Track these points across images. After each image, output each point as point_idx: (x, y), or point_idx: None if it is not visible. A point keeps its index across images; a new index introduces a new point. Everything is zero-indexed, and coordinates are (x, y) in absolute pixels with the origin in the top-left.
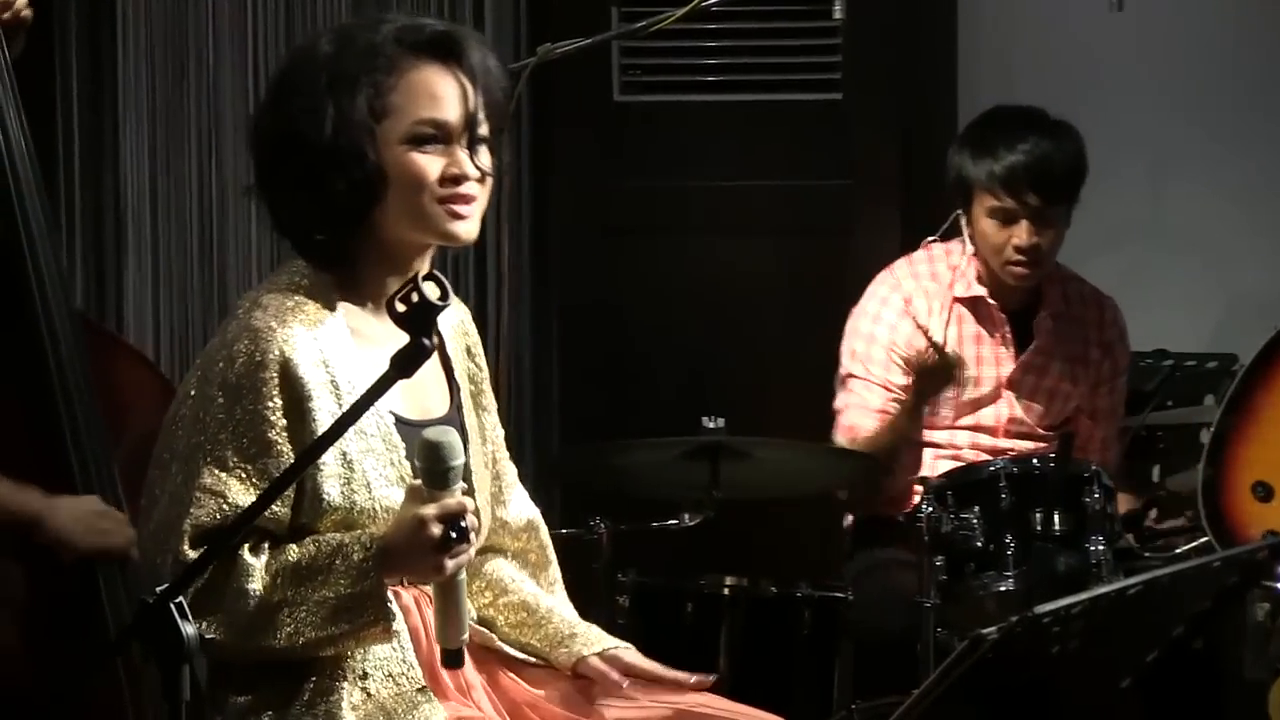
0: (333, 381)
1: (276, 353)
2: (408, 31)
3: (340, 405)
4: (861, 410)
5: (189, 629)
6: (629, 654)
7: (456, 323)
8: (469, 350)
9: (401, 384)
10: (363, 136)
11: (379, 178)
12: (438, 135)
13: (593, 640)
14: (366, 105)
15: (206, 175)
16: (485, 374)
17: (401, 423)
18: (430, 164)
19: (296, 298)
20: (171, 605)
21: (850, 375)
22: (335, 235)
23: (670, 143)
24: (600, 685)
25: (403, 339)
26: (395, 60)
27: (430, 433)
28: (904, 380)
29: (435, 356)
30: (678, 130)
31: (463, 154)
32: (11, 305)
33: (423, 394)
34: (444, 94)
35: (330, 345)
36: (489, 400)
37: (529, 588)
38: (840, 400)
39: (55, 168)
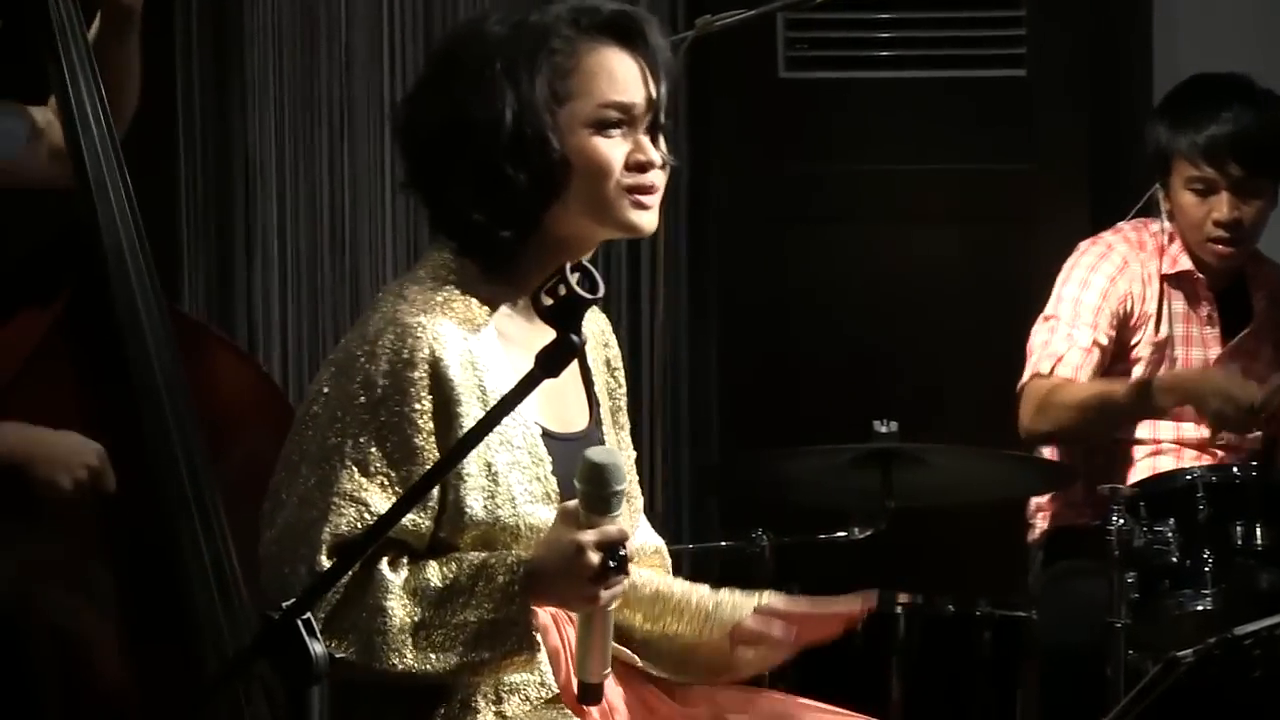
0: (480, 385)
1: (426, 351)
2: (583, 12)
3: (486, 408)
4: (1067, 344)
5: (317, 647)
6: (779, 601)
7: (597, 332)
8: (608, 363)
9: (543, 394)
10: (545, 122)
11: (563, 166)
12: (622, 119)
13: (739, 603)
14: (547, 89)
15: (338, 168)
16: (623, 390)
17: (547, 435)
18: (615, 150)
19: (444, 291)
20: (299, 621)
21: (1054, 317)
22: (514, 229)
23: (839, 123)
24: (768, 644)
25: (533, 335)
26: (573, 41)
27: (595, 454)
28: (1111, 334)
29: (575, 367)
30: (847, 110)
31: (646, 140)
32: (91, 293)
33: (563, 405)
34: (626, 76)
35: (479, 345)
36: (625, 419)
37: (657, 579)
38: (1039, 337)
39: (175, 159)
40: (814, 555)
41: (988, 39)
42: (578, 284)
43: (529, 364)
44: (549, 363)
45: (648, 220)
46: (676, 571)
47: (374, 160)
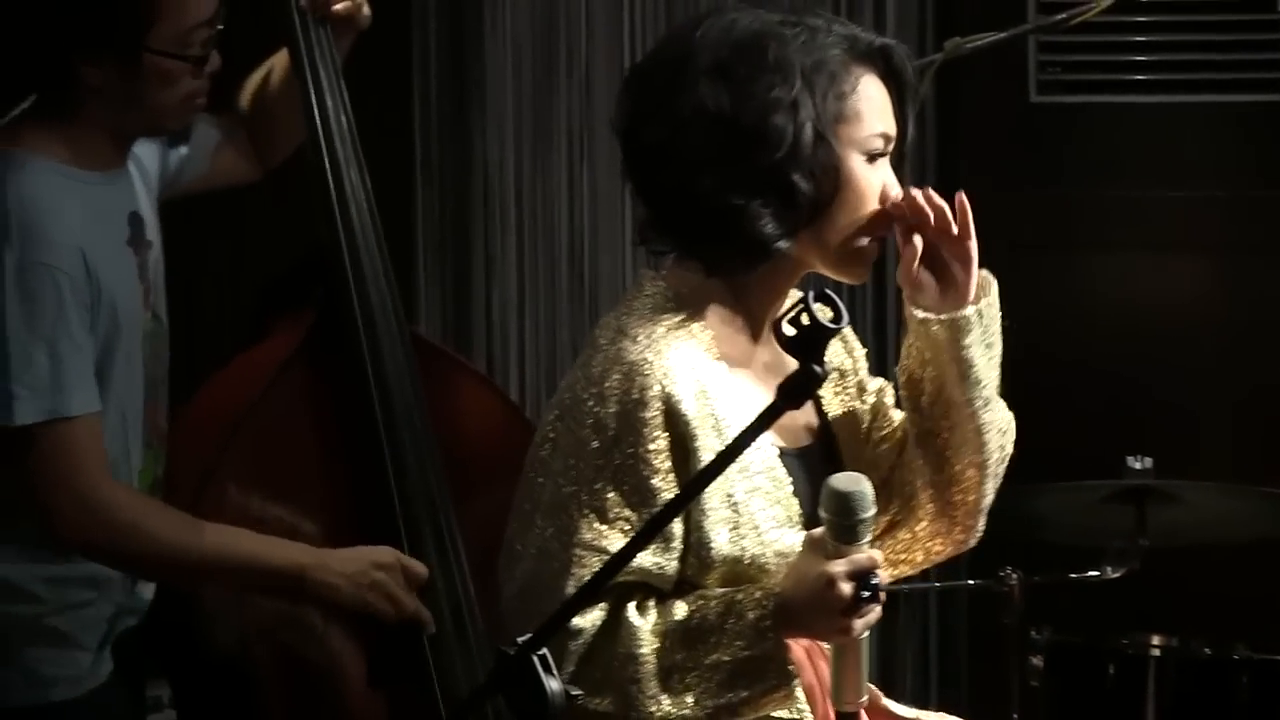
0: (713, 415)
1: (657, 389)
2: (852, 38)
3: (722, 441)
4: None
5: (553, 684)
6: None
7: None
8: (843, 340)
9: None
10: (834, 137)
11: (840, 186)
12: (883, 151)
13: None
14: (835, 106)
15: (577, 190)
16: (859, 355)
17: (782, 454)
18: (875, 179)
19: (665, 321)
20: (535, 657)
21: None
22: (788, 240)
23: (1092, 148)
24: None
25: (770, 359)
26: (848, 65)
27: (839, 482)
28: None
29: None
30: (1101, 134)
31: (891, 174)
32: (334, 317)
33: (790, 417)
34: (887, 107)
35: (707, 374)
36: (872, 381)
37: None
38: None
39: (413, 181)
40: (1065, 594)
41: (1249, 62)
42: (820, 313)
43: (757, 387)
44: (792, 393)
45: (866, 268)
46: (924, 611)
47: (612, 183)
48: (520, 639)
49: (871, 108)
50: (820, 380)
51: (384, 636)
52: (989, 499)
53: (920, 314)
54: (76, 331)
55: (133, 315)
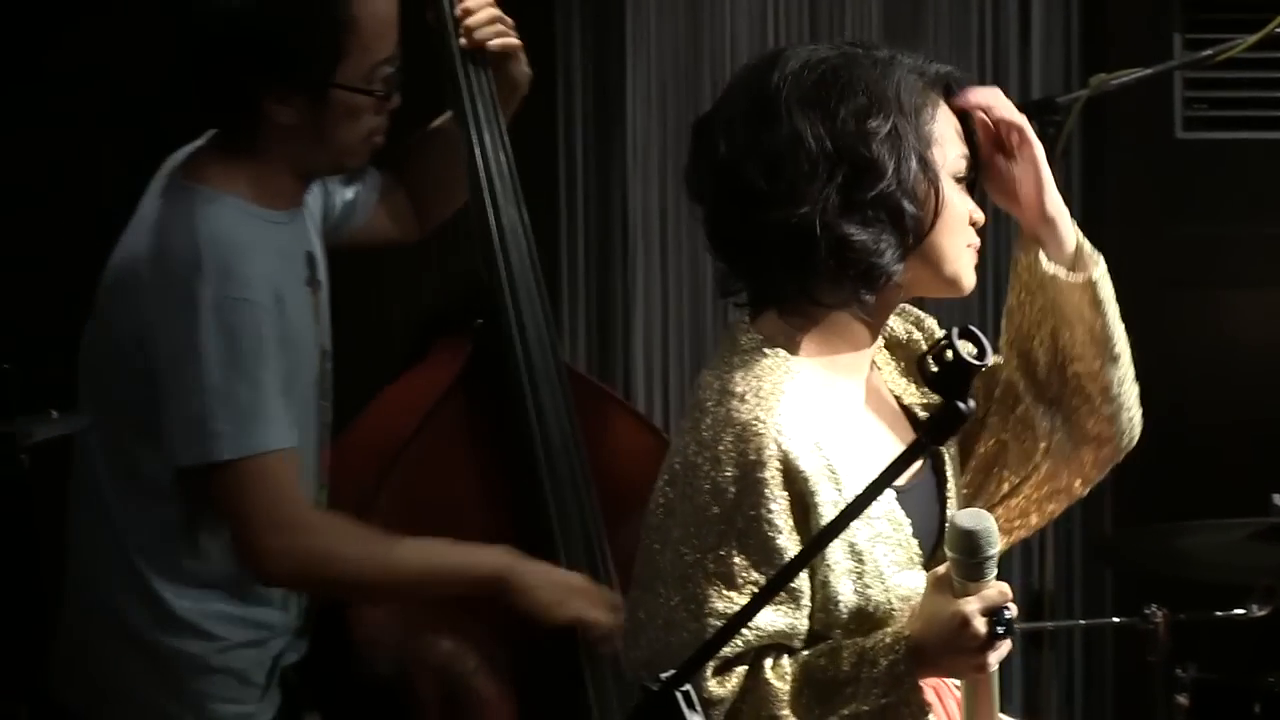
0: (829, 466)
1: (773, 448)
2: (918, 67)
3: (839, 490)
4: None
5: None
6: None
7: (900, 333)
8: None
9: (878, 445)
10: (934, 162)
11: (940, 208)
12: (966, 174)
13: None
14: (925, 131)
15: None
16: None
17: (899, 494)
18: (965, 203)
19: (768, 375)
20: (678, 693)
21: None
22: (899, 266)
23: (1241, 185)
24: None
25: (876, 392)
26: (925, 92)
27: (964, 520)
28: None
29: (894, 405)
30: (1250, 171)
31: (970, 199)
32: (494, 359)
33: (895, 452)
34: (960, 133)
35: (818, 423)
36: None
37: None
38: None
39: (557, 218)
40: (1211, 633)
41: None
42: (964, 349)
43: (866, 425)
44: (937, 432)
45: (973, 280)
46: (1069, 649)
47: None
48: (663, 675)
49: (951, 132)
50: (966, 418)
51: (542, 672)
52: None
53: (1051, 270)
54: (274, 366)
55: (309, 355)
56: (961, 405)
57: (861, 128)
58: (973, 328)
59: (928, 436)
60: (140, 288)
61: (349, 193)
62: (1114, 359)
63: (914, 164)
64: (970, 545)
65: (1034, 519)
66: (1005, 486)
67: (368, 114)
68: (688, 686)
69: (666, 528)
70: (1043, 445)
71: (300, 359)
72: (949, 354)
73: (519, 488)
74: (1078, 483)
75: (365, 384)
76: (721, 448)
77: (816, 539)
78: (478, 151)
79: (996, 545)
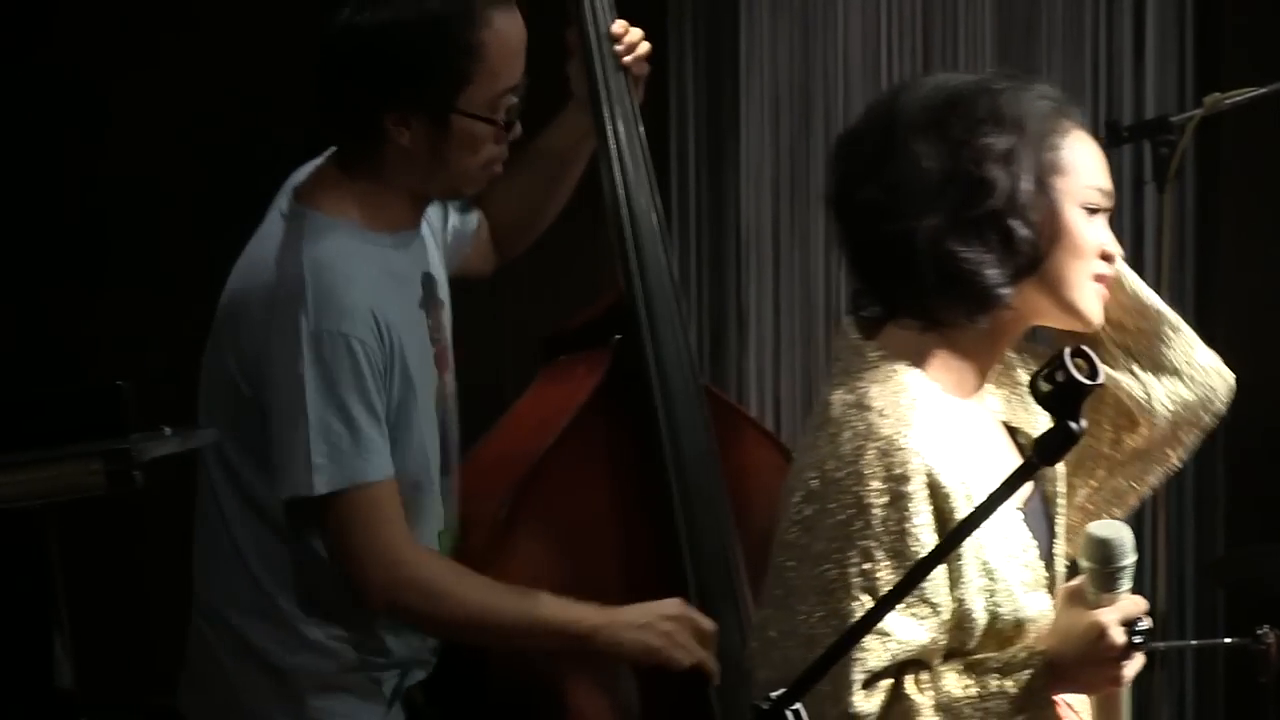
0: (964, 482)
1: (918, 462)
2: (1050, 95)
3: (973, 507)
4: None
5: None
6: None
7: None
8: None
9: (993, 465)
10: (1052, 187)
11: (1058, 233)
12: (1101, 206)
13: None
14: (1050, 156)
15: (835, 248)
16: None
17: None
18: (1092, 234)
19: (903, 390)
20: (789, 712)
21: None
22: (1011, 288)
23: None
24: None
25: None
26: (1058, 116)
27: (1099, 529)
28: None
29: (1001, 431)
30: None
31: (1110, 234)
32: (631, 375)
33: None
34: (1103, 166)
35: (953, 440)
36: None
37: None
38: None
39: (670, 221)
40: None
41: None
42: (1077, 369)
43: (981, 444)
44: (1049, 452)
45: (1100, 312)
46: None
47: None
48: (773, 694)
49: (1086, 162)
50: (1077, 437)
51: (671, 692)
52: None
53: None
54: (372, 398)
55: (426, 377)
56: (1073, 425)
57: (977, 146)
58: (1085, 347)
59: (1039, 456)
60: (250, 314)
61: (464, 220)
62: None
63: (1030, 186)
64: (1106, 554)
65: (1132, 500)
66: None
67: (488, 142)
68: (798, 705)
69: (804, 544)
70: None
71: (414, 383)
72: (1060, 374)
73: (652, 504)
74: (1171, 452)
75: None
76: (864, 462)
77: (942, 545)
78: (615, 161)
79: (1132, 554)
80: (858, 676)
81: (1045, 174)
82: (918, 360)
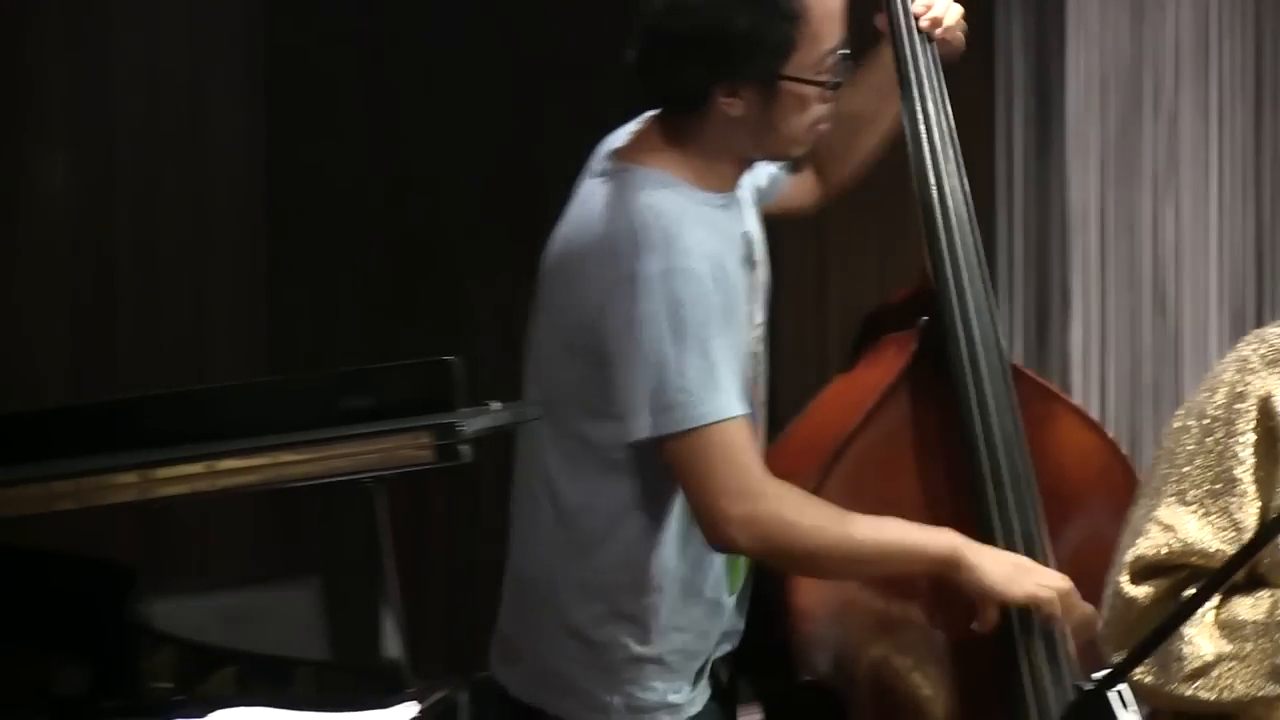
0: None
1: (1258, 385)
2: None
3: None
4: None
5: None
6: None
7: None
8: None
9: None
10: None
11: None
12: None
13: None
14: None
15: (1162, 228)
16: None
17: None
18: None
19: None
20: (1113, 693)
21: None
22: None
23: None
24: None
25: None
26: None
27: None
28: None
29: None
30: None
31: None
32: (939, 356)
33: None
34: None
35: None
36: None
37: None
38: None
39: (993, 212)
40: None
41: None
42: None
43: None
44: None
45: None
46: None
47: (1198, 221)
48: (1096, 675)
49: None
50: None
51: (977, 669)
52: None
53: None
54: (721, 335)
55: (744, 333)
56: None
57: None
58: None
59: None
60: (583, 269)
61: (776, 168)
62: None
63: None
64: None
65: None
66: None
67: (815, 103)
68: (1122, 686)
69: (1166, 446)
70: None
71: (737, 335)
72: None
73: (959, 486)
74: None
75: (807, 373)
76: (1222, 378)
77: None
78: (925, 138)
79: None
80: (1129, 559)
81: None
82: None
